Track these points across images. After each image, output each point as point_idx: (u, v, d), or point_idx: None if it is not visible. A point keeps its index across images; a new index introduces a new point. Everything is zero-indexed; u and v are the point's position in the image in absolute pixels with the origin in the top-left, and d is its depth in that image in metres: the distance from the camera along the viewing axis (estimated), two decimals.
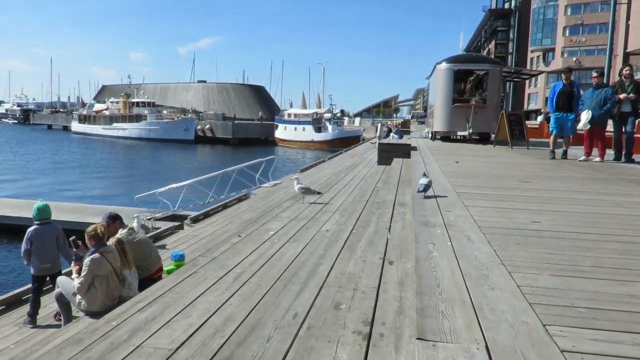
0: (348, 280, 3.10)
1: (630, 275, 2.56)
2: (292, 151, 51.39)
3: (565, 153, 9.75)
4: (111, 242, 4.83)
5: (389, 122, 50.87)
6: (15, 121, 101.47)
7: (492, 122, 14.47)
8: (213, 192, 11.68)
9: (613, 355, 1.73)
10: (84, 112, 77.00)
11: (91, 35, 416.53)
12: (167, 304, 2.78)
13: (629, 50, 27.51)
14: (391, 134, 20.15)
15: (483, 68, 15.66)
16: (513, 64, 61.99)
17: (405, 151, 11.40)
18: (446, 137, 16.35)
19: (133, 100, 68.66)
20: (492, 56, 57.52)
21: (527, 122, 18.09)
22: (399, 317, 2.51)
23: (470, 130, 14.61)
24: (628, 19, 23.97)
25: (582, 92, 9.70)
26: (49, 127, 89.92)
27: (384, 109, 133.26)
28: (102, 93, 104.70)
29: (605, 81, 9.44)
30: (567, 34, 61.40)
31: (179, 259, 6.28)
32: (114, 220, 5.30)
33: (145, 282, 4.73)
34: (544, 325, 1.95)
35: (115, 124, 66.57)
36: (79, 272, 4.66)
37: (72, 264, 4.96)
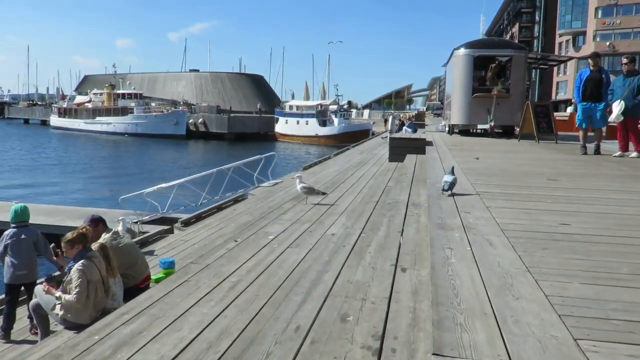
0: (356, 290, 3.09)
1: None
2: (294, 147, 51.45)
3: (598, 148, 9.68)
4: (94, 247, 4.84)
5: (401, 115, 50.91)
6: None
7: (516, 114, 14.43)
8: (206, 193, 11.71)
9: None
10: (64, 105, 77.41)
11: (72, 20, 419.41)
12: (155, 316, 2.78)
13: None
14: (404, 127, 20.17)
15: (506, 54, 15.60)
16: (539, 49, 61.89)
17: (419, 146, 11.39)
18: (465, 131, 16.33)
19: (118, 91, 68.94)
20: (516, 41, 57.40)
21: (556, 113, 18.04)
22: (413, 331, 2.50)
23: (492, 123, 14.58)
24: None
25: (612, 79, 9.62)
26: (26, 121, 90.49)
27: (396, 100, 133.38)
28: (84, 84, 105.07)
29: (637, 67, 9.32)
30: (599, 16, 61.06)
31: (169, 267, 6.29)
32: (97, 224, 5.31)
33: (131, 291, 4.74)
34: (575, 340, 1.94)
35: (98, 118, 66.85)
36: (64, 290, 4.56)
37: (44, 284, 4.80)
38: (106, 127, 64.94)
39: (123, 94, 68.16)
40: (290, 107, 61.83)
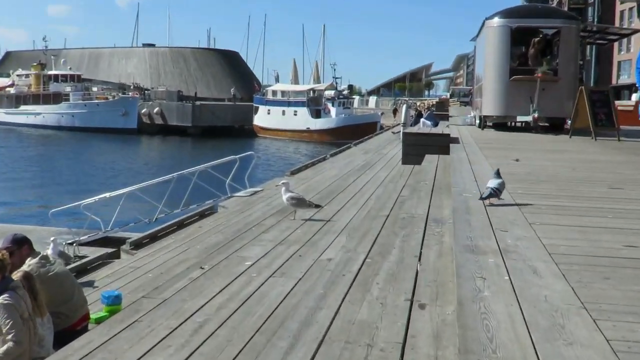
0: (360, 333, 3.09)
1: None
2: (278, 145, 51.53)
3: None
4: (15, 277, 4.79)
5: (418, 103, 51.05)
6: None
7: (566, 103, 14.52)
8: (163, 205, 11.66)
9: None
10: None
11: None
12: None
13: None
14: (421, 119, 20.22)
15: (553, 25, 15.74)
16: (595, 19, 62.35)
17: (442, 145, 11.43)
18: (501, 125, 16.40)
19: (50, 72, 68.81)
20: (566, 8, 57.84)
21: (617, 102, 18.15)
22: None
23: (536, 115, 14.63)
24: None
25: None
26: None
27: (411, 83, 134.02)
28: (6, 63, 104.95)
29: None
30: None
31: (114, 302, 6.25)
32: (20, 246, 5.27)
33: (64, 335, 4.70)
34: None
35: (23, 107, 66.71)
36: None
37: None
38: (33, 119, 64.78)
39: (56, 76, 67.95)
40: (274, 92, 61.92)
